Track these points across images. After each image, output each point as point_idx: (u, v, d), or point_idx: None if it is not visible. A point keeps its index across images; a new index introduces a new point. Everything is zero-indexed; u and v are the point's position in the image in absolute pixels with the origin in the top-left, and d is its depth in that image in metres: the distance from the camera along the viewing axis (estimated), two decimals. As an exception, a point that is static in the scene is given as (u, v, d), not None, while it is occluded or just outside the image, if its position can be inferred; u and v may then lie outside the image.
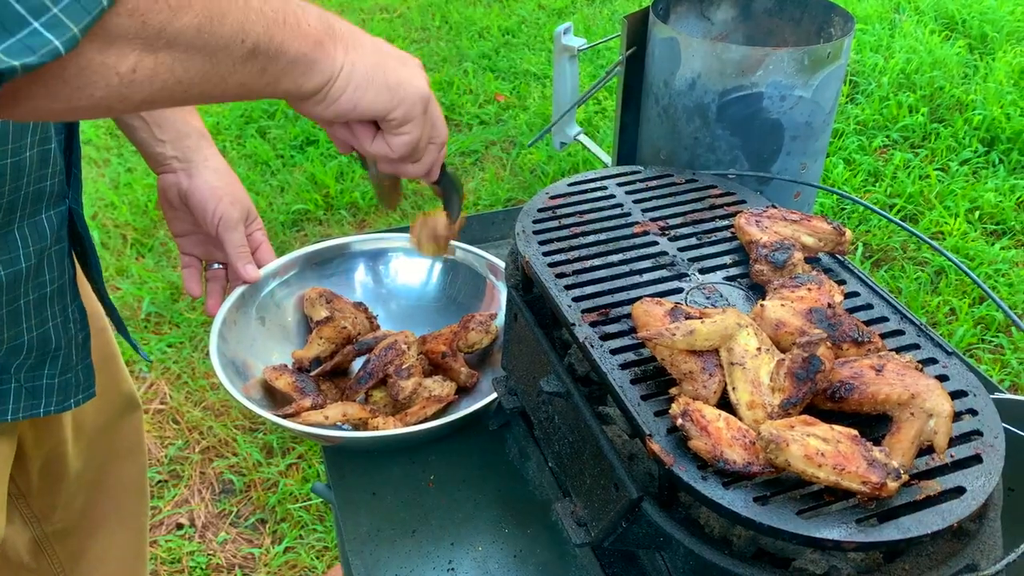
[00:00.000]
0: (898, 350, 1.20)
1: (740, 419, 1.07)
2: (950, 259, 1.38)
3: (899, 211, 4.47)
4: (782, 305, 1.19)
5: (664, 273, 1.35)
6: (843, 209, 4.48)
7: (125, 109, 0.91)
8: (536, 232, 1.42)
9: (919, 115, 5.14)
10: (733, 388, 1.09)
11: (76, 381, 1.46)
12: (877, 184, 4.68)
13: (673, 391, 1.13)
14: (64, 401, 1.44)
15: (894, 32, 6.11)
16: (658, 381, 1.15)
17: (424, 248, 1.71)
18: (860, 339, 1.16)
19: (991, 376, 3.44)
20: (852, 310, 1.28)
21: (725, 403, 1.10)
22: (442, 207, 1.61)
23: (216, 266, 1.81)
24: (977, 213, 4.46)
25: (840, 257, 1.39)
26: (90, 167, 4.85)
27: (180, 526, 3.10)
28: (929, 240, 1.43)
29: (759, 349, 1.11)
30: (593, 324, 1.23)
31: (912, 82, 5.49)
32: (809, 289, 1.23)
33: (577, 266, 1.35)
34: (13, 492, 1.57)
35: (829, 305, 1.20)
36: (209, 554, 3.01)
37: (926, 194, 4.58)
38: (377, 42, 1.20)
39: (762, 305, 1.19)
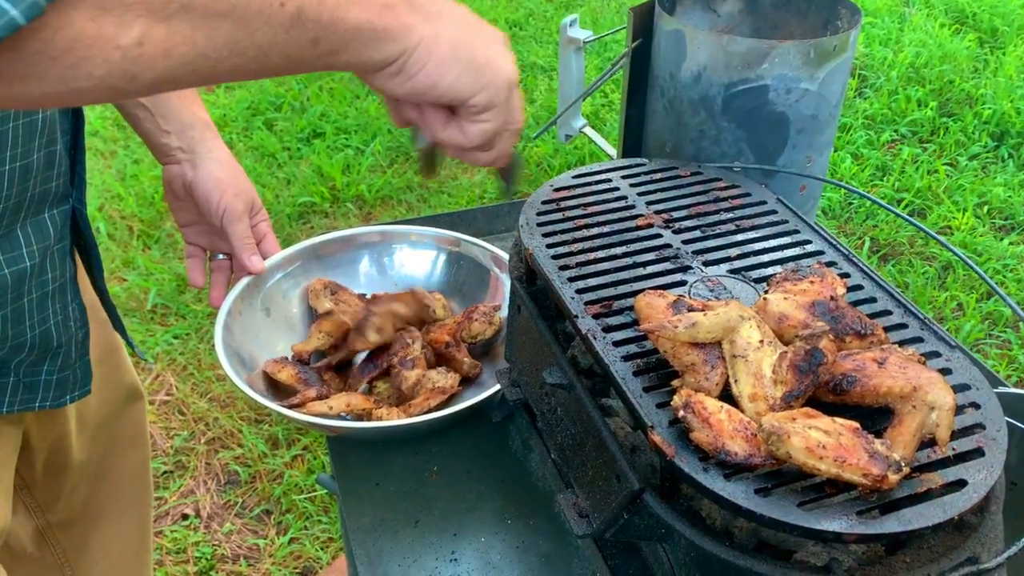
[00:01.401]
0: (901, 343, 1.20)
1: (742, 411, 1.07)
2: (957, 254, 1.37)
3: (907, 206, 4.46)
4: (785, 298, 1.19)
5: (668, 266, 1.35)
6: (850, 204, 4.47)
7: (139, 90, 0.78)
8: (540, 224, 1.42)
9: (928, 109, 5.13)
10: (735, 380, 1.09)
11: (73, 378, 1.46)
12: (885, 179, 4.67)
13: (675, 383, 1.12)
14: (60, 397, 1.44)
15: (903, 25, 6.09)
16: (660, 373, 1.15)
17: None
18: (863, 332, 1.16)
19: (998, 372, 3.44)
20: (856, 303, 1.28)
21: (727, 396, 1.10)
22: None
23: (220, 257, 1.81)
24: (986, 208, 4.45)
25: (846, 250, 1.39)
26: (97, 159, 4.86)
27: (185, 516, 3.11)
28: (936, 235, 1.42)
29: (761, 342, 1.10)
30: (596, 316, 1.23)
31: (921, 76, 5.48)
32: (812, 282, 1.23)
33: (581, 258, 1.34)
34: (17, 483, 1.58)
35: (832, 298, 1.20)
36: (214, 545, 3.01)
37: (934, 189, 4.57)
38: (463, 13, 1.04)
39: (765, 298, 1.19)
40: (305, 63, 0.89)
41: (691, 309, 1.14)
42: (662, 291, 1.20)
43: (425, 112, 1.08)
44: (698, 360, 1.11)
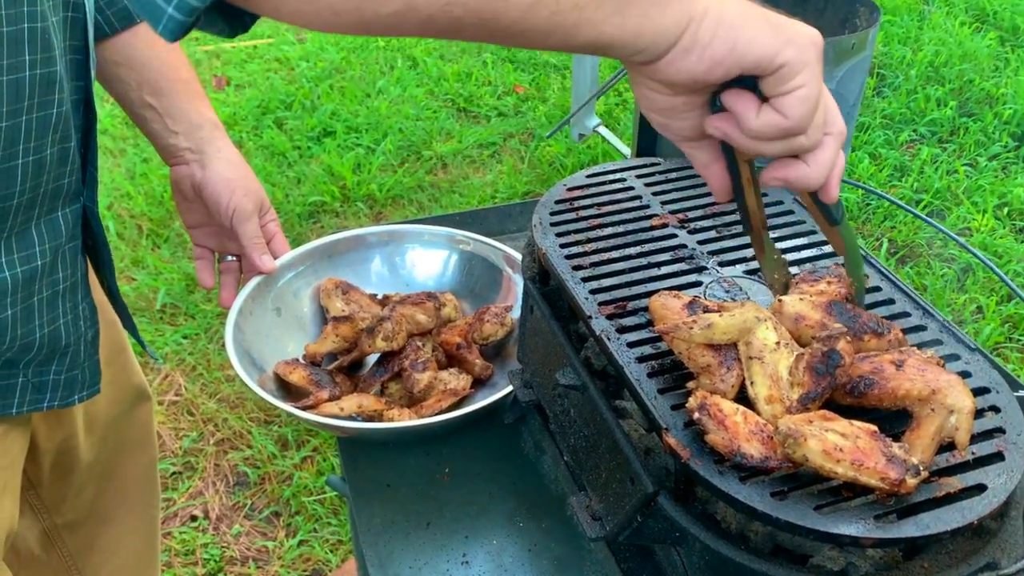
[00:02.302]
0: (920, 346, 1.19)
1: (758, 414, 1.06)
2: (978, 256, 1.37)
3: (926, 207, 4.43)
4: (801, 299, 1.18)
5: (683, 266, 1.34)
6: (868, 204, 4.44)
7: (418, 17, 0.79)
8: (553, 224, 1.41)
9: (947, 109, 5.10)
10: (751, 382, 1.08)
11: (82, 378, 1.45)
12: (903, 179, 4.63)
13: (690, 385, 1.12)
14: (68, 397, 1.44)
15: (923, 24, 6.05)
16: (675, 375, 1.14)
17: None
18: (880, 331, 1.15)
19: (1019, 376, 3.42)
20: (874, 305, 1.27)
21: (743, 398, 1.09)
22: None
23: (230, 258, 1.81)
24: (1006, 209, 4.41)
25: (864, 251, 1.38)
26: (106, 157, 4.86)
27: (194, 518, 3.11)
28: (956, 236, 1.41)
29: (778, 343, 1.09)
30: (610, 317, 1.22)
31: (941, 75, 5.44)
32: (829, 282, 1.22)
33: (595, 258, 1.34)
34: (24, 484, 1.57)
35: (848, 299, 1.19)
36: (223, 546, 3.01)
37: (954, 189, 4.54)
38: None
39: (781, 299, 1.18)
40: (595, 23, 0.84)
41: (706, 310, 1.13)
42: (677, 292, 1.19)
43: (733, 104, 0.95)
44: (713, 362, 1.10)
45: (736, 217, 1.44)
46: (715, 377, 1.09)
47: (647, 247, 1.37)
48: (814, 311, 1.15)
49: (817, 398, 1.05)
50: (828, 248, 1.38)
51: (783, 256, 1.20)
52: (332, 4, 0.77)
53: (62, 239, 1.33)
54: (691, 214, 1.45)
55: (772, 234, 1.41)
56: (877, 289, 1.31)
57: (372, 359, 1.76)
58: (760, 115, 0.94)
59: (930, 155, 4.77)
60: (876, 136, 4.90)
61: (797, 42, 0.92)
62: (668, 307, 1.15)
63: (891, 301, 1.29)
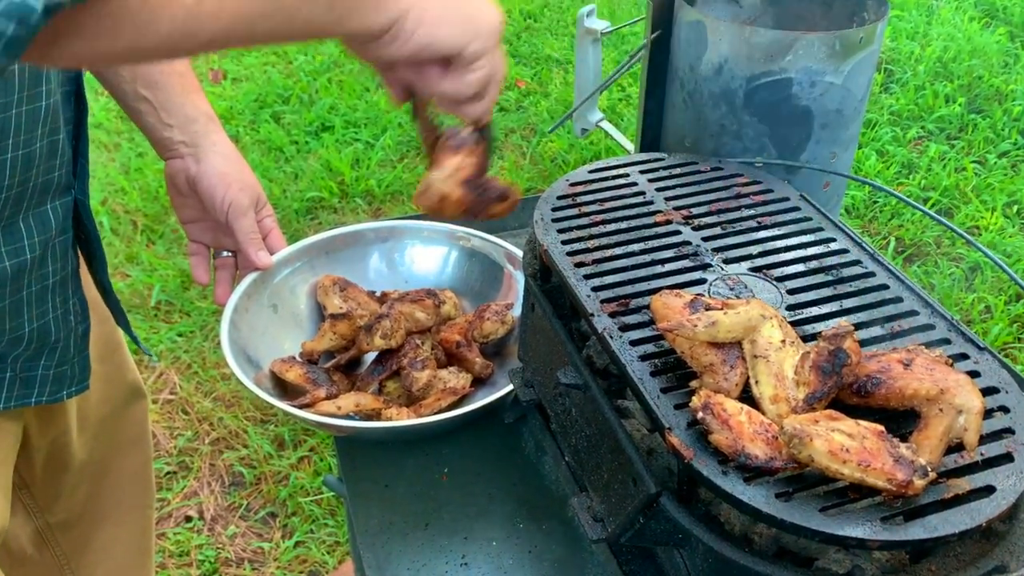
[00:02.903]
0: (928, 345, 1.17)
1: (763, 413, 1.05)
2: (987, 255, 1.35)
3: (934, 205, 4.41)
4: (444, 178, 1.30)
5: (687, 263, 1.33)
6: (875, 202, 4.43)
7: (191, 48, 0.87)
8: (555, 220, 1.40)
9: (956, 105, 5.08)
10: (756, 381, 1.07)
11: (71, 373, 1.44)
12: (911, 176, 4.62)
13: (694, 384, 1.11)
14: (57, 392, 1.43)
15: (931, 19, 6.04)
16: (678, 374, 1.13)
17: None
18: (506, 195, 1.32)
19: None
20: (882, 303, 1.26)
21: (747, 397, 1.08)
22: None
23: (225, 254, 1.79)
24: (1015, 208, 4.39)
25: (871, 249, 1.36)
26: (100, 151, 4.85)
27: (189, 519, 3.09)
28: (965, 235, 1.40)
29: (783, 342, 1.09)
30: (613, 315, 1.21)
31: (949, 71, 5.43)
32: (467, 153, 1.33)
33: (597, 255, 1.32)
34: (16, 482, 1.57)
35: (482, 169, 1.32)
36: (218, 547, 3.00)
37: (962, 187, 4.52)
38: None
39: (428, 181, 1.30)
40: (323, 28, 0.99)
41: (708, 308, 1.12)
42: (678, 291, 1.19)
43: (423, 69, 1.15)
44: (717, 360, 1.09)
45: (741, 214, 1.44)
46: (718, 376, 1.08)
47: (650, 244, 1.36)
48: (455, 187, 1.30)
49: (823, 397, 1.04)
50: (834, 245, 1.37)
51: (441, 131, 1.35)
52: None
53: (52, 232, 1.32)
54: (695, 210, 1.44)
55: (776, 231, 1.40)
56: (885, 287, 1.29)
57: (370, 357, 1.75)
58: (444, 82, 1.15)
59: (938, 152, 4.75)
60: (883, 133, 4.89)
61: (483, 34, 1.12)
62: (669, 306, 1.14)
63: (899, 299, 1.27)
